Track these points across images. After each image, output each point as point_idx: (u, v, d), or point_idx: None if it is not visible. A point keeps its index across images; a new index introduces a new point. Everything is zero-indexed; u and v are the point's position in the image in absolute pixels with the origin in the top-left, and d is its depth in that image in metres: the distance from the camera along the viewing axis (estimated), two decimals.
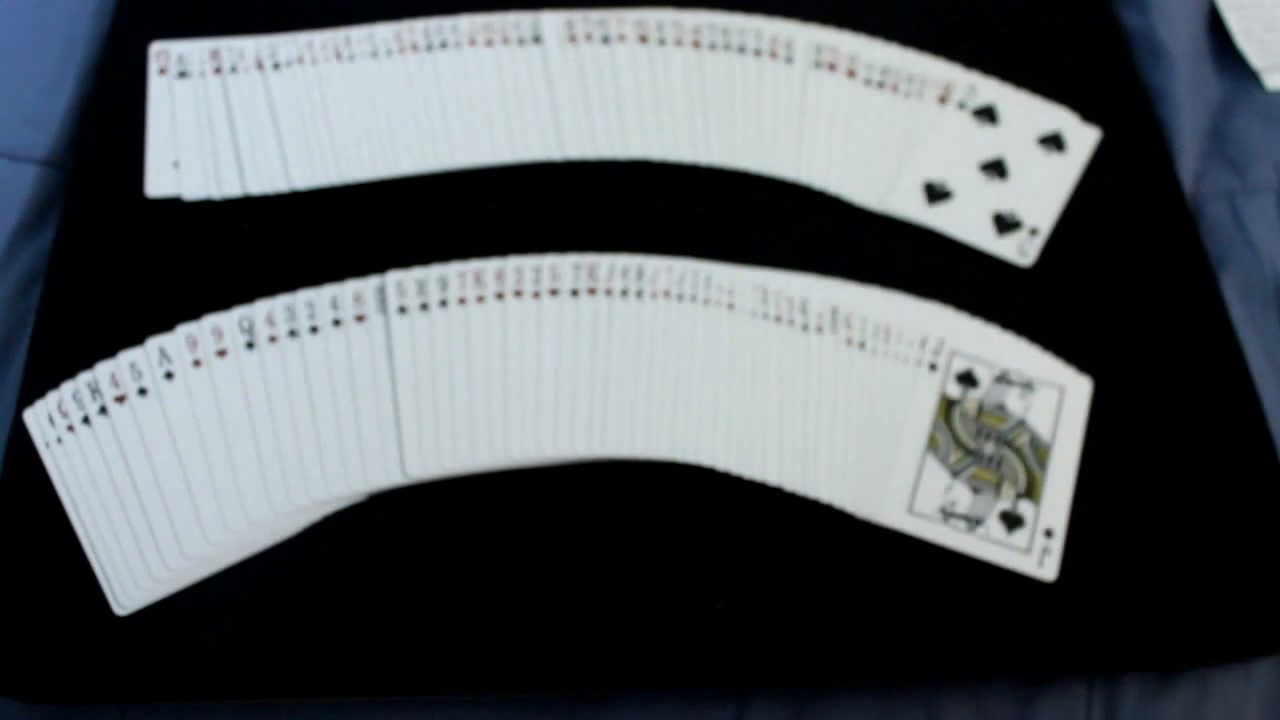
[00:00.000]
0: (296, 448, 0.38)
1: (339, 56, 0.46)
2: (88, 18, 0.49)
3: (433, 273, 0.41)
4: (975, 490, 0.39)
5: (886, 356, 0.41)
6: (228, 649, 0.36)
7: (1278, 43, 0.51)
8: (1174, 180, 0.46)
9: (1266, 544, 0.39)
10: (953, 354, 0.41)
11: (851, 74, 0.47)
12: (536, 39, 0.47)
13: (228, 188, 0.44)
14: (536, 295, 0.41)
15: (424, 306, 0.41)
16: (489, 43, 0.47)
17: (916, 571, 0.38)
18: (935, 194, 0.45)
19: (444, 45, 0.47)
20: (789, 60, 0.47)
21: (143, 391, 0.39)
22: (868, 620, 0.37)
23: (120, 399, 0.38)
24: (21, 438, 0.38)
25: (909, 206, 0.45)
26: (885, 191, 0.45)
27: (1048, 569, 0.38)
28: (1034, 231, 0.44)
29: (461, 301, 0.41)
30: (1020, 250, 0.44)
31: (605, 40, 0.47)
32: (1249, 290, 0.44)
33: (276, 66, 0.46)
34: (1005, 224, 0.44)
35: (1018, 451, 0.40)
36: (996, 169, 0.45)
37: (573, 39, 0.47)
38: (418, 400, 0.39)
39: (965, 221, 0.44)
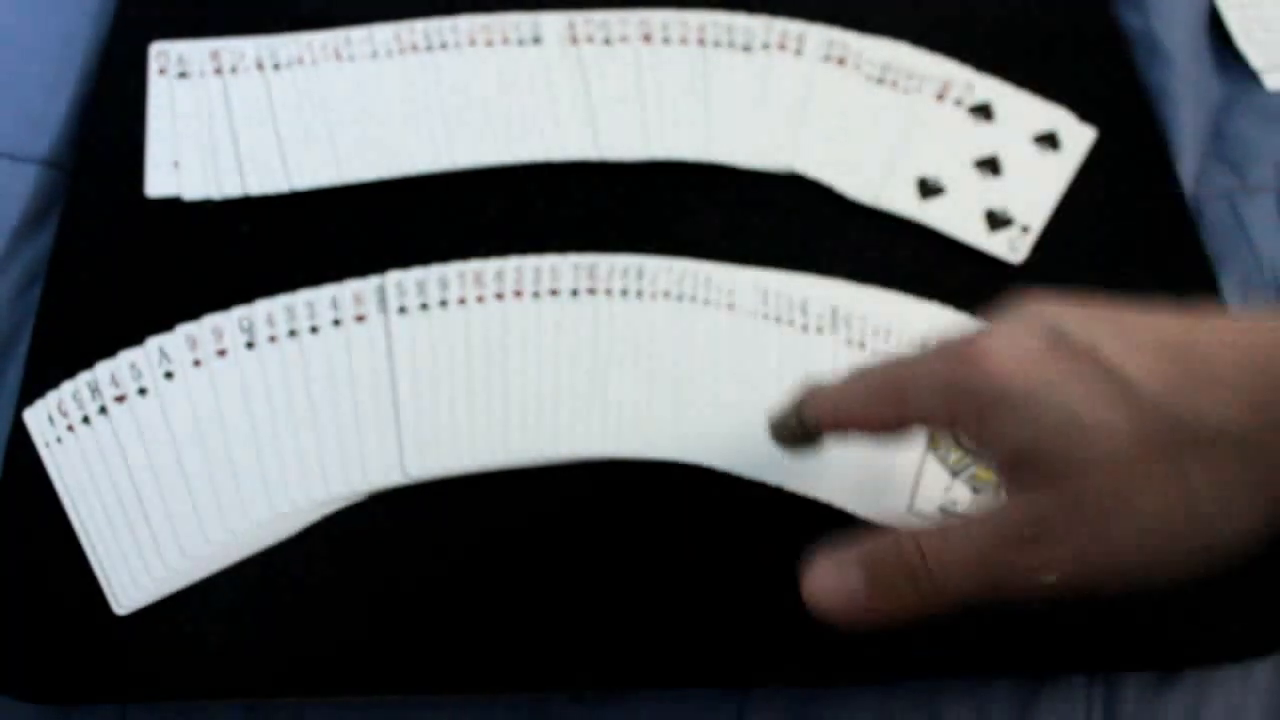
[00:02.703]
0: (296, 448, 0.38)
1: (339, 57, 0.47)
2: (88, 18, 0.49)
3: (433, 273, 0.41)
4: (975, 490, 0.39)
5: None
6: (228, 649, 0.36)
7: (1278, 43, 0.51)
8: (1173, 180, 0.46)
9: (1266, 544, 0.39)
10: None
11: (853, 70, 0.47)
12: (536, 40, 0.47)
13: (228, 188, 0.44)
14: (536, 295, 0.41)
15: (424, 306, 0.41)
16: (489, 43, 0.47)
17: None
18: (928, 189, 0.45)
19: (444, 46, 0.47)
20: (798, 53, 0.47)
21: (143, 391, 0.39)
22: None
23: (120, 399, 0.38)
24: (21, 438, 0.38)
25: (901, 201, 0.45)
26: (879, 186, 0.45)
27: None
28: (1025, 229, 0.44)
29: (461, 301, 0.41)
30: (1011, 247, 0.44)
31: (607, 41, 0.47)
32: (1249, 290, 0.44)
33: (276, 67, 0.46)
34: (997, 220, 0.44)
35: None
36: (990, 166, 0.46)
37: (574, 40, 0.47)
38: (418, 400, 0.39)
39: (957, 217, 0.44)
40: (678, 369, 0.40)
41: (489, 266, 0.41)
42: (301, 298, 0.40)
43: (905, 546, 0.27)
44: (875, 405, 0.30)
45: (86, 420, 0.38)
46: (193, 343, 0.39)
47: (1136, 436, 0.24)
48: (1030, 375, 0.26)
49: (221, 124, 0.45)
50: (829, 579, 0.28)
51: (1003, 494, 0.26)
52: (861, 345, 0.41)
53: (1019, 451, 0.26)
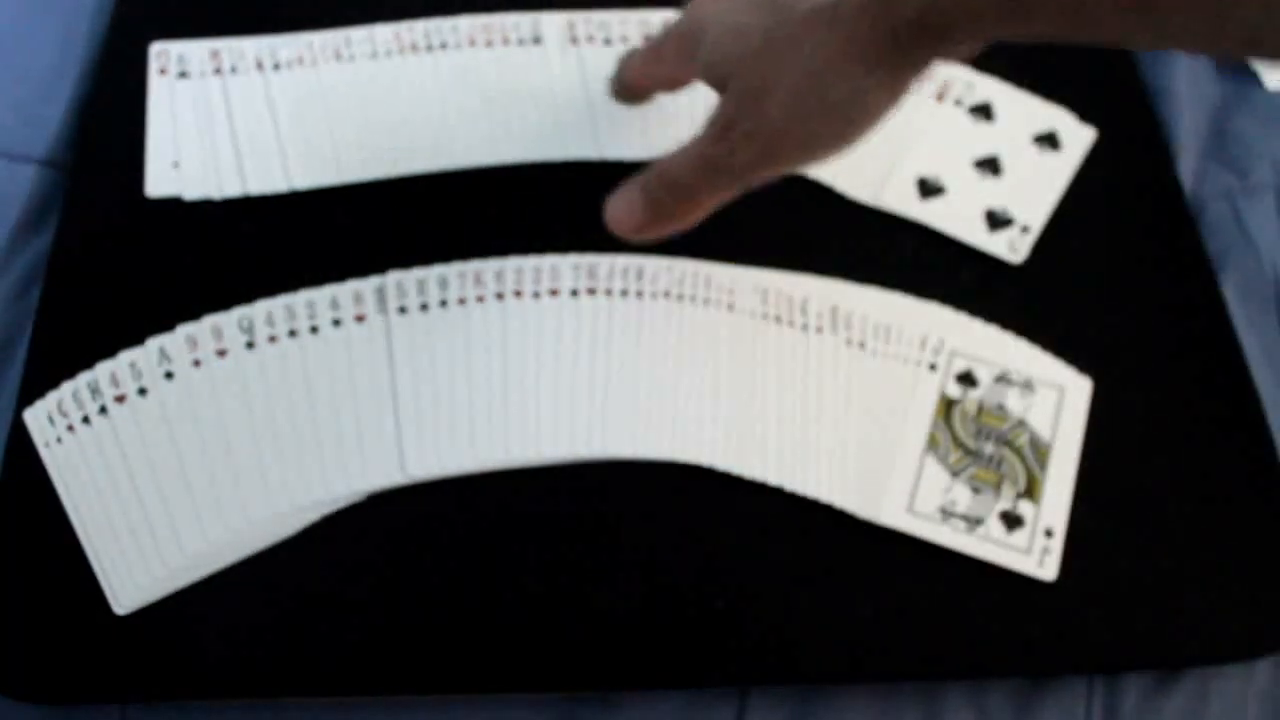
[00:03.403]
0: (296, 448, 0.38)
1: (339, 57, 0.47)
2: (87, 17, 0.49)
3: (433, 273, 0.41)
4: (975, 490, 0.39)
5: (886, 356, 0.41)
6: (228, 649, 0.36)
7: None
8: (1173, 180, 0.46)
9: (1266, 544, 0.39)
10: (953, 354, 0.41)
11: None
12: (537, 40, 0.47)
13: (228, 188, 0.44)
14: (536, 295, 0.41)
15: (424, 306, 0.41)
16: (489, 43, 0.47)
17: (916, 571, 0.38)
18: (928, 189, 0.45)
19: (444, 46, 0.47)
20: None
21: (143, 391, 0.39)
22: (868, 620, 0.37)
23: (120, 399, 0.38)
24: (21, 438, 0.38)
25: (902, 201, 0.45)
26: (879, 186, 0.45)
27: (1048, 569, 0.38)
28: (1025, 229, 0.44)
29: (461, 301, 0.41)
30: (1011, 247, 0.44)
31: (607, 41, 0.47)
32: (1249, 290, 0.44)
33: (276, 67, 0.46)
34: (997, 220, 0.44)
35: (1018, 451, 0.40)
36: (990, 166, 0.46)
37: (574, 40, 0.47)
38: (418, 400, 0.39)
39: (957, 217, 0.44)
40: (678, 369, 0.40)
41: (489, 266, 0.41)
42: (301, 298, 0.40)
43: (658, 165, 0.36)
44: (651, 63, 0.39)
45: (86, 420, 0.38)
46: (193, 343, 0.39)
47: (766, 31, 0.31)
48: (713, 8, 0.34)
49: (221, 124, 0.45)
50: (620, 203, 0.37)
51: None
52: (861, 345, 0.41)
53: (709, 65, 0.34)
